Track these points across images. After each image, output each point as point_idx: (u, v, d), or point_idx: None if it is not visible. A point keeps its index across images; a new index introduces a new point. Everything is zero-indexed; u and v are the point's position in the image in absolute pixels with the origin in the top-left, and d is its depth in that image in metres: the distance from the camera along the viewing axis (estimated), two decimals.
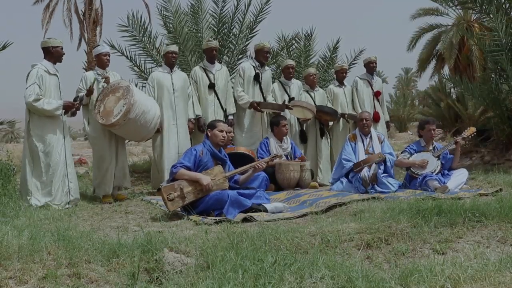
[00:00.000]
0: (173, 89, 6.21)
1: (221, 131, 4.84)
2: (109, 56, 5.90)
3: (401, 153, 5.96)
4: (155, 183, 6.25)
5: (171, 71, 6.29)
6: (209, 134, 4.86)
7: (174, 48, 6.43)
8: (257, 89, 6.68)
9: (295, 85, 7.09)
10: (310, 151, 7.09)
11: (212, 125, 4.91)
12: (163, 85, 6.19)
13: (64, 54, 5.37)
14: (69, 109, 5.31)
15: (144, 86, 6.65)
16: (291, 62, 7.21)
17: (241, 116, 6.72)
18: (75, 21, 20.48)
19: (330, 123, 7.22)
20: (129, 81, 6.34)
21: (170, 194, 4.37)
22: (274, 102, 6.78)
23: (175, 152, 6.12)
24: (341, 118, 7.20)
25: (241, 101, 6.58)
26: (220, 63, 7.22)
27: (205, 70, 6.54)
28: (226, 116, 6.52)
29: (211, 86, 6.47)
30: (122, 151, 5.94)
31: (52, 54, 5.28)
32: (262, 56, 6.75)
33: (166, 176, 5.97)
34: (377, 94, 7.38)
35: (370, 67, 7.43)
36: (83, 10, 19.79)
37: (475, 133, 6.00)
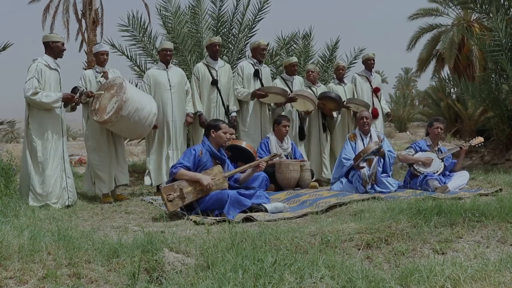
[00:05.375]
0: (170, 86, 6.18)
1: (225, 132, 4.82)
2: (106, 56, 5.91)
3: (406, 148, 5.97)
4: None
5: (167, 68, 6.28)
6: (213, 135, 4.77)
7: (168, 45, 6.39)
8: (258, 85, 6.64)
9: (297, 81, 7.09)
10: (314, 148, 7.08)
11: (216, 127, 4.80)
12: (159, 82, 6.17)
13: (64, 50, 5.38)
14: (69, 101, 5.30)
15: None
16: (295, 59, 7.20)
17: (241, 114, 6.71)
18: (75, 21, 20.48)
19: (334, 114, 7.12)
20: (128, 80, 6.34)
21: (170, 194, 4.36)
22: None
23: (169, 149, 6.12)
24: (342, 110, 7.13)
25: (241, 96, 6.53)
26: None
27: (208, 66, 6.51)
28: (227, 114, 6.51)
29: (214, 83, 6.44)
30: (121, 149, 5.94)
31: (52, 49, 5.28)
32: (258, 53, 6.73)
33: (163, 174, 5.99)
34: (376, 90, 7.36)
35: (368, 63, 7.43)
36: (83, 10, 19.80)
37: (482, 143, 5.99)
